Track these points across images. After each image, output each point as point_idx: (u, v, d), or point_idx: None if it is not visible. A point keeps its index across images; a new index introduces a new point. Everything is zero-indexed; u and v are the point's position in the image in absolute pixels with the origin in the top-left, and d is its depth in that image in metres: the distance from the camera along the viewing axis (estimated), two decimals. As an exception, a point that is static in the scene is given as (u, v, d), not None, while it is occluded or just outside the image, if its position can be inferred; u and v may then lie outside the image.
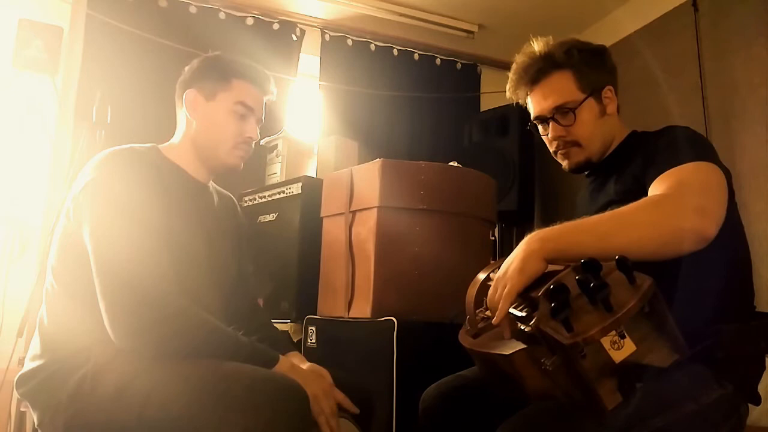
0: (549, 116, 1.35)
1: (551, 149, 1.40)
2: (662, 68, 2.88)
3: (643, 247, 0.98)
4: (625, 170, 1.27)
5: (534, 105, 1.38)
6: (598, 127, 1.34)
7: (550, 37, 1.38)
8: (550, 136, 1.37)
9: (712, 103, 2.65)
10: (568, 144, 1.35)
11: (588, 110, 1.33)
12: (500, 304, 0.99)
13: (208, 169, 1.43)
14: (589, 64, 1.34)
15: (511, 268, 1.00)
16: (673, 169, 1.10)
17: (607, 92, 1.35)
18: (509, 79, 1.41)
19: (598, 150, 1.36)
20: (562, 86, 1.33)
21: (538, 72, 1.35)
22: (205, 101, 1.40)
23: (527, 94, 1.39)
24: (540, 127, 1.40)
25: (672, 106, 2.80)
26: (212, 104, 1.40)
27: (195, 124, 1.40)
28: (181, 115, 1.43)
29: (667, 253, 1.00)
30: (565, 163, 1.39)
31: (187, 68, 1.45)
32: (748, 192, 2.38)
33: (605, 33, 3.13)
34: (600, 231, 1.01)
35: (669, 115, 2.78)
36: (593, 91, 1.33)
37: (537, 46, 1.36)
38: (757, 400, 1.14)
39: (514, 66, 1.39)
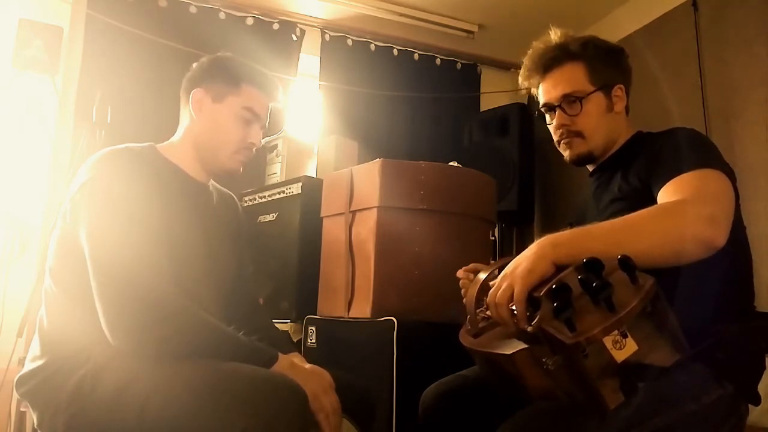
0: (556, 104, 1.36)
1: (555, 138, 1.41)
2: (662, 68, 2.88)
3: (653, 256, 0.99)
4: (629, 170, 1.28)
5: (544, 93, 1.39)
6: (603, 122, 1.35)
7: (570, 30, 1.39)
8: (555, 124, 1.38)
9: (712, 103, 2.65)
10: (571, 133, 1.36)
11: (595, 103, 1.34)
12: (517, 307, 0.98)
13: (207, 170, 1.43)
14: (602, 60, 1.36)
15: (521, 267, 1.00)
16: (681, 177, 1.11)
17: (617, 90, 1.37)
18: (523, 65, 1.42)
19: (601, 144, 1.36)
20: (573, 76, 1.35)
21: (551, 60, 1.37)
22: (212, 102, 1.39)
23: (539, 83, 1.41)
24: (547, 116, 1.41)
25: (672, 106, 2.80)
26: (219, 106, 1.39)
27: (199, 123, 1.40)
28: (185, 113, 1.43)
29: (677, 261, 1.02)
30: (566, 154, 1.40)
31: (195, 65, 1.45)
32: (748, 192, 2.37)
33: (605, 33, 3.12)
34: (611, 239, 1.02)
35: (669, 115, 2.78)
36: (603, 86, 1.35)
37: (554, 35, 1.39)
38: (756, 401, 1.15)
39: (529, 52, 1.41)
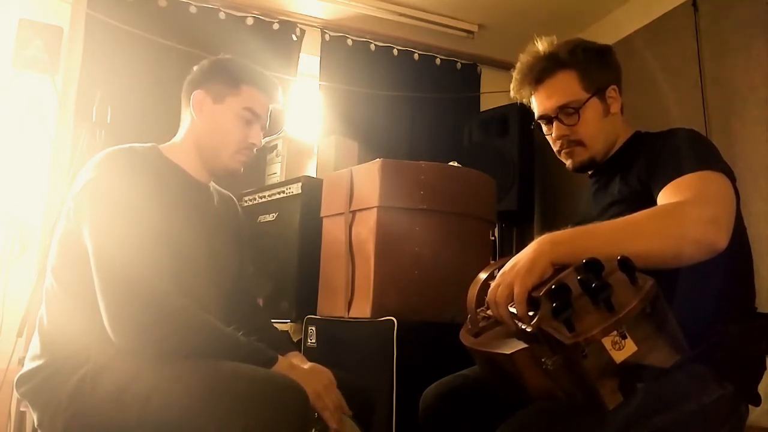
0: (553, 115, 1.35)
1: (555, 148, 1.40)
2: (662, 68, 2.88)
3: (653, 257, 0.99)
4: (629, 171, 1.27)
5: (538, 104, 1.38)
6: (602, 127, 1.34)
7: (554, 37, 1.38)
8: (554, 135, 1.37)
9: (712, 103, 2.65)
10: (572, 143, 1.35)
11: (592, 110, 1.33)
12: (517, 307, 0.98)
13: (209, 170, 1.44)
14: (593, 64, 1.34)
15: (520, 266, 1.00)
16: (682, 178, 1.10)
17: (611, 92, 1.35)
18: (513, 78, 1.40)
19: (602, 149, 1.36)
20: (567, 85, 1.33)
21: (542, 71, 1.35)
22: (212, 103, 1.40)
23: (531, 94, 1.39)
24: (544, 127, 1.40)
25: (672, 106, 2.80)
26: (219, 107, 1.40)
27: (200, 124, 1.40)
28: (187, 114, 1.44)
29: (677, 263, 1.01)
30: (569, 163, 1.39)
31: (196, 68, 1.46)
32: (748, 192, 2.37)
33: (605, 33, 3.13)
34: (612, 239, 1.02)
35: (669, 115, 2.78)
36: (597, 90, 1.33)
37: (541, 45, 1.36)
38: (756, 401, 1.14)
39: (518, 65, 1.39)
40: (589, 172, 1.43)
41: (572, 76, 1.33)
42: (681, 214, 1.04)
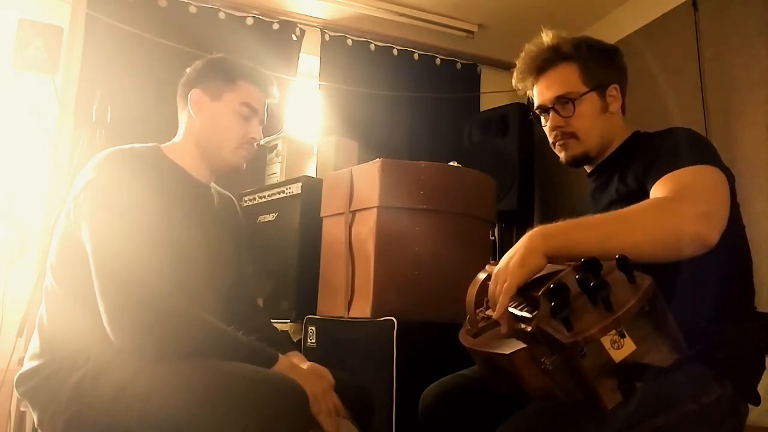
0: (550, 106, 1.36)
1: (550, 140, 1.41)
2: (662, 68, 2.88)
3: (645, 250, 0.98)
4: (627, 171, 1.27)
5: (537, 95, 1.39)
6: (597, 123, 1.35)
7: (563, 31, 1.39)
8: (549, 125, 1.38)
9: (712, 103, 2.65)
10: (566, 135, 1.36)
11: (589, 104, 1.34)
12: (500, 298, 0.98)
13: (211, 168, 1.44)
14: (596, 60, 1.36)
15: (512, 262, 1.00)
16: (676, 172, 1.10)
17: (612, 90, 1.36)
18: (516, 67, 1.42)
19: (596, 145, 1.36)
20: (566, 77, 1.34)
21: (545, 62, 1.37)
22: (210, 101, 1.41)
23: (533, 85, 1.41)
24: (542, 118, 1.41)
25: (672, 105, 2.79)
26: (217, 104, 1.40)
27: (199, 123, 1.41)
28: (184, 114, 1.44)
29: (668, 256, 1.01)
30: (562, 155, 1.40)
31: (189, 69, 1.46)
32: (748, 192, 2.37)
33: (605, 33, 3.13)
34: (603, 232, 1.01)
35: (669, 115, 2.78)
36: (597, 86, 1.34)
37: (547, 37, 1.39)
38: (756, 401, 1.14)
39: (522, 55, 1.41)
40: (588, 170, 1.43)
41: (573, 69, 1.35)
42: (673, 208, 1.04)
